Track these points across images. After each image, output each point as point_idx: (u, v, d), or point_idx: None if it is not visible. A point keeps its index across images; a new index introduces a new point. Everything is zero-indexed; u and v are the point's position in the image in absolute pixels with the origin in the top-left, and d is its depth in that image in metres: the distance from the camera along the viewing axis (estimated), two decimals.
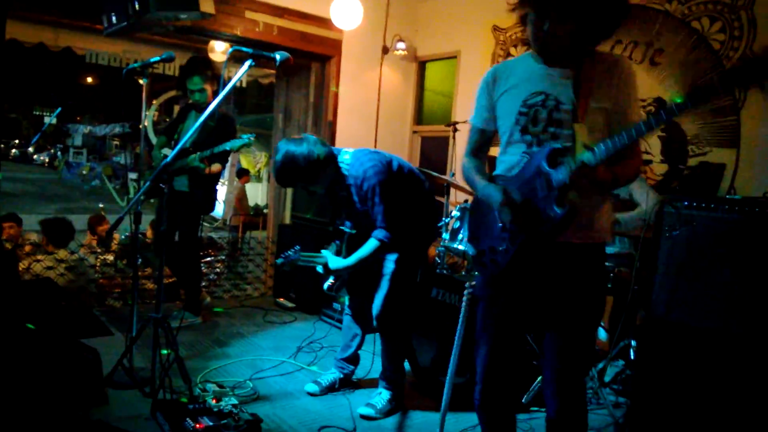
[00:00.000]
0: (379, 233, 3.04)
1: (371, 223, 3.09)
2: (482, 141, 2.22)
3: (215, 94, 4.35)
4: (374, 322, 3.27)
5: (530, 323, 2.14)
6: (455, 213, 3.79)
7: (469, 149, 2.25)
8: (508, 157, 2.08)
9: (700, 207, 2.89)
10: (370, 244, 3.06)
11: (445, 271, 3.77)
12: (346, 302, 3.51)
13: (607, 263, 3.46)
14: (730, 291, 2.74)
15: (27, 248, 5.54)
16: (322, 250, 3.30)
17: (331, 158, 3.09)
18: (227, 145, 4.00)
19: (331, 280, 3.32)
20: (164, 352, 3.07)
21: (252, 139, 4.04)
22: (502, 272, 2.04)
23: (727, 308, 2.74)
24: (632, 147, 1.93)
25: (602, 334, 3.89)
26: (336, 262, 3.20)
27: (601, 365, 3.39)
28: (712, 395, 2.73)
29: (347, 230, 3.33)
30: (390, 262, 3.18)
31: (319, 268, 3.27)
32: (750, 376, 2.64)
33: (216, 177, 4.48)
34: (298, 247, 3.34)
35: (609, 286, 3.53)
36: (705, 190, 3.89)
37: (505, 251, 2.00)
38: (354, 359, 3.50)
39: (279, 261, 3.35)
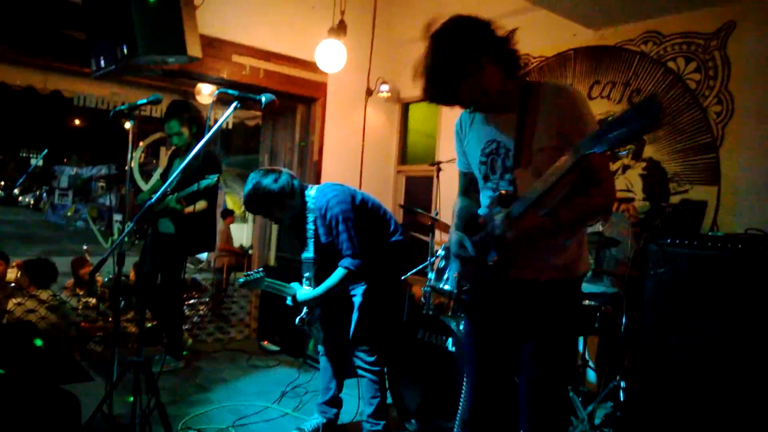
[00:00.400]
0: (346, 261, 3.08)
1: (337, 253, 3.12)
2: (467, 182, 2.29)
3: (194, 135, 4.40)
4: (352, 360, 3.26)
5: (508, 358, 2.11)
6: (440, 252, 3.78)
7: (460, 190, 2.34)
8: (483, 200, 2.15)
9: (683, 244, 2.91)
10: (338, 273, 3.09)
11: (431, 312, 3.74)
12: (321, 339, 3.47)
13: (592, 302, 3.46)
14: (717, 327, 2.74)
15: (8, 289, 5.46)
16: (292, 283, 3.30)
17: (299, 191, 3.21)
18: (194, 186, 4.05)
19: (303, 315, 3.30)
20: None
21: (215, 179, 4.10)
22: (471, 308, 2.11)
23: (715, 345, 2.74)
24: (595, 175, 1.87)
25: (591, 375, 3.86)
26: (304, 293, 3.21)
27: (590, 407, 3.36)
28: None
29: (310, 261, 3.31)
30: (358, 296, 3.22)
31: (289, 301, 3.27)
32: (741, 412, 2.63)
33: (205, 215, 4.47)
34: (261, 269, 3.35)
35: (596, 325, 3.51)
36: (688, 227, 3.92)
37: (469, 289, 2.07)
38: (336, 402, 3.45)
39: (241, 281, 3.34)
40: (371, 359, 3.25)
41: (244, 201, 3.19)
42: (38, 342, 3.17)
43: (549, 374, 2.00)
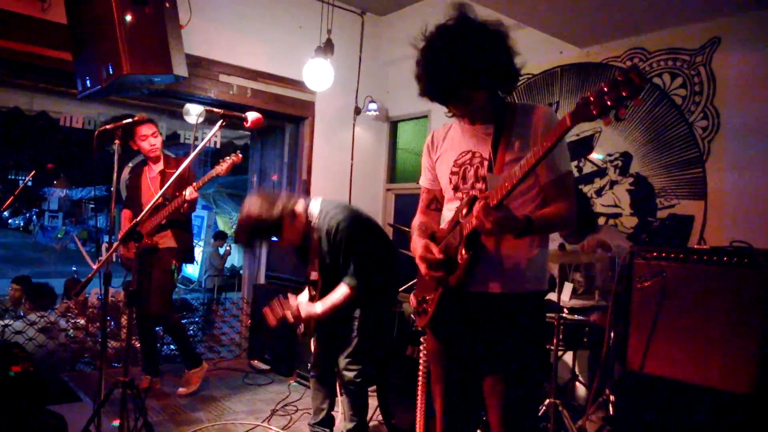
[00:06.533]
0: (349, 280, 3.06)
1: (338, 269, 3.11)
2: (430, 199, 2.31)
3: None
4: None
5: (472, 370, 2.09)
6: None
7: (420, 207, 2.34)
8: (447, 213, 2.16)
9: (669, 257, 2.92)
10: (341, 291, 3.08)
11: (419, 329, 3.73)
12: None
13: (580, 317, 3.46)
14: (704, 341, 2.75)
15: None
16: (299, 298, 3.28)
17: (298, 213, 3.16)
18: None
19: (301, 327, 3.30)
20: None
21: None
22: (431, 321, 2.07)
23: (701, 358, 2.74)
24: (558, 188, 1.96)
25: (580, 389, 3.85)
26: (309, 307, 3.17)
27: (579, 421, 3.34)
28: None
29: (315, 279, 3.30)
30: (356, 313, 3.21)
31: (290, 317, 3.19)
32: (728, 424, 2.62)
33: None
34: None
35: (585, 340, 3.51)
36: (675, 242, 3.94)
37: (432, 300, 2.04)
38: (328, 421, 3.42)
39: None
40: (358, 376, 3.23)
41: (237, 238, 3.16)
42: (11, 373, 3.13)
43: (521, 387, 1.99)
